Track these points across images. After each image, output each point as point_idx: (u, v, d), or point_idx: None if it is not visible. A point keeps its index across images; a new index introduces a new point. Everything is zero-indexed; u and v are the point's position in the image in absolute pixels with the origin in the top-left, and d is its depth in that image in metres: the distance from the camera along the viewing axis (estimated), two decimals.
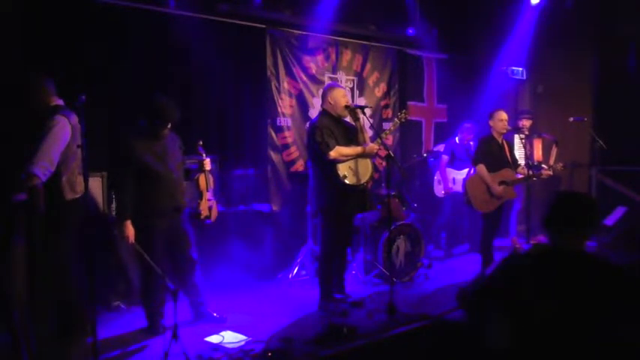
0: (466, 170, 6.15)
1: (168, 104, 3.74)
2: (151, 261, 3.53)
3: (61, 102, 3.39)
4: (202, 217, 4.11)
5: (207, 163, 4.04)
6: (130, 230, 3.62)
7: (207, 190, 4.11)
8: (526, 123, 6.39)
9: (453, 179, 6.26)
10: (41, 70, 3.49)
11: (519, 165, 5.40)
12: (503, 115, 5.18)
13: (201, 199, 4.11)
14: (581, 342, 1.93)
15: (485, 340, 2.05)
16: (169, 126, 3.78)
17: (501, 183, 5.09)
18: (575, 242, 2.10)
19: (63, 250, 3.37)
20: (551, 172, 5.40)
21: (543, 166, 5.72)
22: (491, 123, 5.19)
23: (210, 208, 4.15)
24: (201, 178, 4.08)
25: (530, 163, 5.47)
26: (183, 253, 3.93)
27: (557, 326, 1.94)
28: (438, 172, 6.43)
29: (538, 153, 6.48)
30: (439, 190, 6.41)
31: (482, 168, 5.09)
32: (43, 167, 3.12)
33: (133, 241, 3.62)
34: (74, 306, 3.41)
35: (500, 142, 5.21)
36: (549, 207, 2.16)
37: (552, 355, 1.95)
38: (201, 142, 4.04)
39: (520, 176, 5.24)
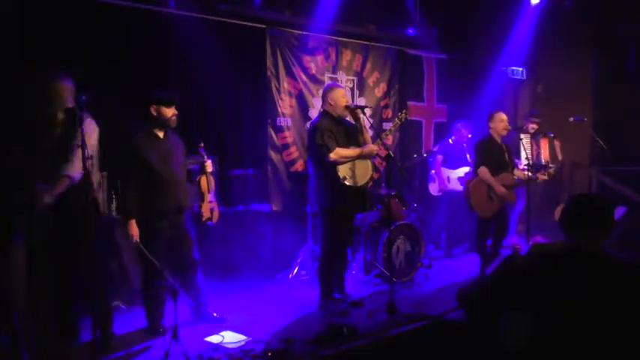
0: (462, 169, 6.17)
1: (166, 92, 3.82)
2: (154, 260, 3.54)
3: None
4: (204, 219, 4.11)
5: (209, 165, 4.05)
6: (135, 229, 3.62)
7: (209, 192, 4.11)
8: (534, 126, 6.41)
9: (448, 178, 6.29)
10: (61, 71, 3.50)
11: (514, 167, 5.34)
12: (503, 116, 5.09)
13: (202, 200, 4.10)
14: (605, 343, 1.92)
15: (503, 340, 2.02)
16: (174, 113, 3.79)
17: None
18: (594, 243, 2.09)
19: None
20: (546, 177, 5.38)
21: (551, 165, 5.71)
22: (491, 124, 5.09)
23: (211, 210, 4.15)
24: (203, 180, 4.09)
25: (536, 162, 5.44)
26: (185, 254, 3.93)
27: (581, 327, 1.94)
28: (432, 170, 6.45)
29: (546, 153, 6.45)
30: (434, 189, 6.43)
31: (484, 170, 4.99)
32: (77, 170, 3.16)
33: (138, 241, 3.62)
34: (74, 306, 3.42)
35: (499, 143, 5.11)
36: (567, 209, 2.15)
37: (574, 355, 1.94)
38: (202, 144, 4.05)
39: (519, 180, 5.20)
